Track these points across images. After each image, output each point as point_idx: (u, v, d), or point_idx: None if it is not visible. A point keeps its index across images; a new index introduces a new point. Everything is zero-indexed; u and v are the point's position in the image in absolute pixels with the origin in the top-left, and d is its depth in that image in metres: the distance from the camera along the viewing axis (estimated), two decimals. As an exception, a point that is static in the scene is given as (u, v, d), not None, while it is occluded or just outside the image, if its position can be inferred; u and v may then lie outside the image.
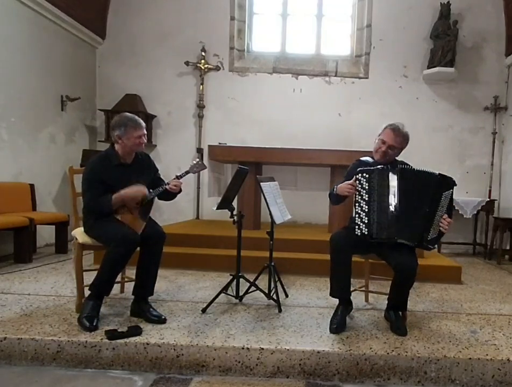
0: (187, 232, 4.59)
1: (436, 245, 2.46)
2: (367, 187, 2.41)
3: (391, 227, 2.37)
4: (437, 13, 5.61)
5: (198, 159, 2.75)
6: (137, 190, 2.53)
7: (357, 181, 2.43)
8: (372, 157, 2.67)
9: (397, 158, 2.63)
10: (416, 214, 2.36)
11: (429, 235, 2.37)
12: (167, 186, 2.60)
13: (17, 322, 2.43)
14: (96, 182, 2.53)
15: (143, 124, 2.65)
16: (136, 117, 2.64)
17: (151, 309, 2.58)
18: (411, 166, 2.50)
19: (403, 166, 2.48)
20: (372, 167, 2.45)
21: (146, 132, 2.65)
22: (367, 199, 2.41)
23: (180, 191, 2.70)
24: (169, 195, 2.72)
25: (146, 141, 2.67)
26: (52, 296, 2.98)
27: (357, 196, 2.44)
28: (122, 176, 2.56)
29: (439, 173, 2.39)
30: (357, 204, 2.44)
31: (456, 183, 2.43)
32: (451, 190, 2.41)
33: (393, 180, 2.38)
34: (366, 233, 2.40)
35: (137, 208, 2.58)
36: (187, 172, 2.67)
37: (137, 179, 2.63)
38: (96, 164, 2.59)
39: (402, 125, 2.55)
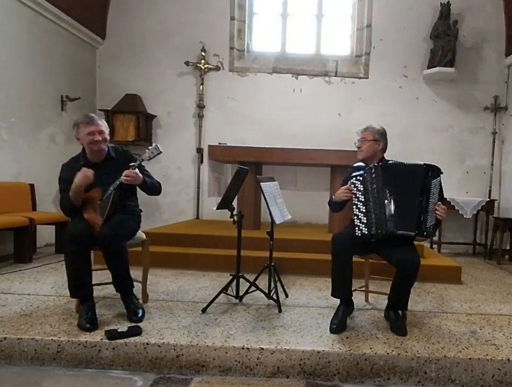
0: (187, 232, 4.58)
1: (436, 233, 2.55)
2: (362, 189, 2.50)
3: (390, 221, 2.42)
4: (437, 13, 5.60)
5: (154, 144, 2.63)
6: (80, 176, 2.46)
7: (353, 185, 2.52)
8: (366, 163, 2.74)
9: (386, 157, 2.72)
10: (411, 205, 2.43)
11: (427, 223, 2.43)
12: (122, 179, 2.51)
13: (17, 322, 2.43)
14: (65, 183, 2.58)
15: (97, 120, 2.58)
16: (93, 114, 2.60)
17: (133, 306, 2.56)
18: (398, 161, 2.56)
19: (391, 162, 2.55)
20: (365, 169, 2.54)
21: (102, 128, 2.58)
22: (363, 200, 2.49)
23: (144, 182, 2.60)
24: (145, 188, 2.68)
25: (102, 137, 2.57)
26: (52, 296, 2.97)
27: (354, 199, 2.52)
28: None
29: (425, 163, 2.48)
30: (354, 206, 2.52)
31: (441, 170, 2.50)
32: (439, 178, 2.48)
33: (384, 176, 2.46)
34: (366, 232, 2.46)
35: (99, 205, 2.56)
36: (142, 160, 2.59)
37: (109, 177, 2.55)
38: (65, 165, 2.68)
39: (367, 125, 2.71)
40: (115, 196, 2.56)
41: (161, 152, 2.60)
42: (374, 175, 2.47)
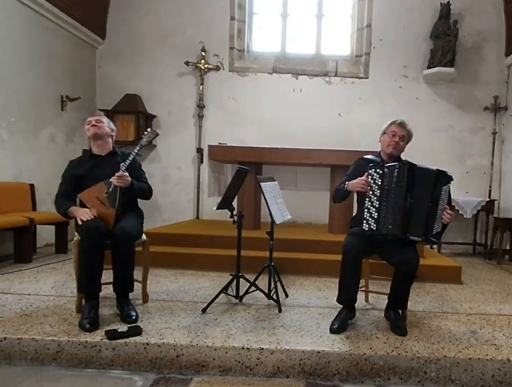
0: (187, 232, 4.58)
1: (439, 239, 2.49)
2: (379, 183, 2.41)
3: (405, 224, 2.37)
4: (437, 13, 5.61)
5: (149, 129, 2.74)
6: (80, 213, 2.55)
7: (370, 177, 2.44)
8: (377, 156, 2.70)
9: (402, 157, 2.68)
10: (421, 211, 2.37)
11: (434, 229, 2.39)
12: (112, 180, 2.57)
13: (17, 322, 2.43)
14: (66, 177, 2.73)
15: (98, 114, 2.86)
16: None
17: (127, 308, 2.55)
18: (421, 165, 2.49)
19: (418, 164, 2.45)
20: (388, 164, 2.44)
21: (99, 118, 2.76)
22: (378, 194, 2.41)
23: (132, 185, 2.62)
24: (132, 192, 2.69)
25: (98, 124, 2.72)
26: (52, 296, 2.97)
27: (369, 191, 2.43)
28: (95, 167, 2.71)
29: (437, 169, 2.40)
30: (367, 199, 2.44)
31: (452, 177, 2.43)
32: (449, 184, 2.43)
33: (408, 177, 2.37)
34: (374, 228, 2.41)
35: (106, 198, 2.59)
36: (141, 146, 2.64)
37: (113, 170, 2.57)
38: (72, 161, 2.84)
39: (405, 121, 2.65)
40: (118, 190, 2.61)
41: (158, 134, 2.78)
42: (397, 173, 2.37)
